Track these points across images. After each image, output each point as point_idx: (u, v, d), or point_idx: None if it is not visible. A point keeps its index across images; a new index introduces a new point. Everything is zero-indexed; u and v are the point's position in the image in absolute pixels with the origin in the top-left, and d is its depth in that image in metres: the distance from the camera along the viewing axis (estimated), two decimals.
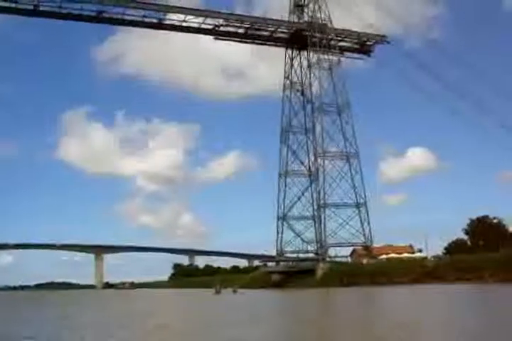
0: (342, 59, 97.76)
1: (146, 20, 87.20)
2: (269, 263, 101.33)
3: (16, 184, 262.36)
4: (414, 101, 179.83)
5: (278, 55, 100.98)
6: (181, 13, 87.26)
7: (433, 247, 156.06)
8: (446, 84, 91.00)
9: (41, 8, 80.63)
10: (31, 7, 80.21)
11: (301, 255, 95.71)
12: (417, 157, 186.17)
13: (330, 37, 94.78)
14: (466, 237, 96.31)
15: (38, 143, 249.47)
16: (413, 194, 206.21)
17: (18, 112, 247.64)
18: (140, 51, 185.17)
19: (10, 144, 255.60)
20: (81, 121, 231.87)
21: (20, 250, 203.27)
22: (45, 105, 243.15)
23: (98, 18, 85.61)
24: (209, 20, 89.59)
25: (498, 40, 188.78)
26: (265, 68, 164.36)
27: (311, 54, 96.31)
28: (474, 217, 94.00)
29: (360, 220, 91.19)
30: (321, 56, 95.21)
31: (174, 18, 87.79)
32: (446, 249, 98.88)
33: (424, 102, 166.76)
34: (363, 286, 66.78)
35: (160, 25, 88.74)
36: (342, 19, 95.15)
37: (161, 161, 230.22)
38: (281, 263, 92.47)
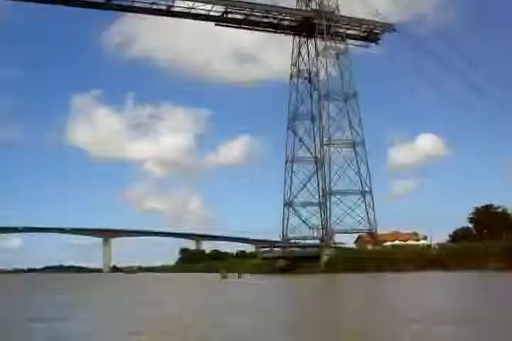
0: (349, 47, 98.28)
1: (155, 7, 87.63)
2: (275, 249, 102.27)
3: (25, 168, 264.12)
4: (423, 88, 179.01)
5: (288, 40, 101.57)
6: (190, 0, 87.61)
7: (438, 235, 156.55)
8: (455, 71, 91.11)
9: None
10: None
11: (306, 241, 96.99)
12: (426, 144, 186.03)
13: (337, 25, 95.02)
14: (471, 225, 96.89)
15: (47, 128, 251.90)
16: (420, 181, 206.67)
17: (27, 96, 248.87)
18: (150, 35, 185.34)
19: (19, 128, 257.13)
20: (90, 105, 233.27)
21: (30, 233, 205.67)
22: (54, 89, 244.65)
23: (107, 5, 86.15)
24: (217, 7, 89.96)
25: (509, 27, 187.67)
26: (276, 53, 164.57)
27: (319, 42, 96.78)
28: (479, 205, 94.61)
29: (365, 207, 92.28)
30: (329, 44, 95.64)
31: (182, 5, 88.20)
32: (451, 236, 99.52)
33: (432, 89, 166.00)
34: (367, 273, 67.69)
35: (168, 12, 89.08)
36: (350, 7, 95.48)
37: (170, 146, 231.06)
38: (287, 249, 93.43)
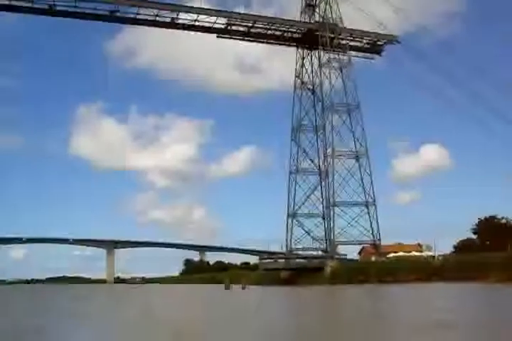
0: (353, 58, 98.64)
1: (159, 19, 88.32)
2: (279, 260, 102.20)
3: (29, 178, 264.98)
4: (426, 99, 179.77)
5: (292, 50, 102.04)
6: (194, 12, 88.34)
7: (443, 246, 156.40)
8: (458, 82, 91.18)
9: (56, 8, 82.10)
10: (46, 7, 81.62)
11: (310, 252, 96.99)
12: (429, 154, 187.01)
13: (341, 37, 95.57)
14: (475, 236, 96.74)
15: (51, 137, 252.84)
16: (424, 192, 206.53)
17: (32, 107, 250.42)
18: (154, 46, 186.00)
19: (23, 138, 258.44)
20: (94, 115, 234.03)
21: (33, 244, 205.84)
22: (58, 100, 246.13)
23: (111, 18, 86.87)
24: (221, 20, 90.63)
25: None
26: (280, 63, 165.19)
27: (322, 53, 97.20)
28: (483, 216, 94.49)
29: (369, 219, 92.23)
30: (332, 56, 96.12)
31: (186, 17, 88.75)
32: (455, 248, 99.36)
33: (435, 99, 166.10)
34: (370, 284, 67.70)
35: (172, 25, 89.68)
36: (353, 19, 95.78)
37: (175, 156, 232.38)
38: (290, 261, 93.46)
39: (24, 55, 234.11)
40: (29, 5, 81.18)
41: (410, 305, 31.42)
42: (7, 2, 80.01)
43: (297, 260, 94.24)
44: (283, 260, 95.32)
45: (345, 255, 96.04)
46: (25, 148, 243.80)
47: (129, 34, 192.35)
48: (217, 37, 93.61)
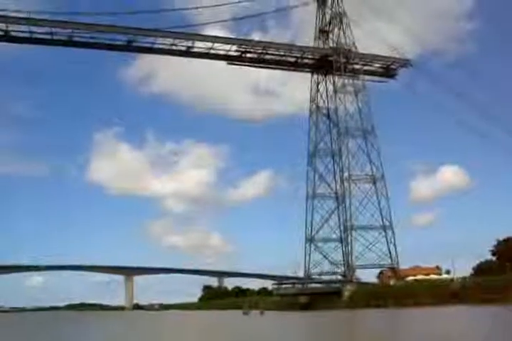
0: (367, 82, 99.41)
1: (174, 48, 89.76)
2: (297, 285, 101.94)
3: (47, 205, 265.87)
4: (442, 121, 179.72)
5: (307, 75, 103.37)
6: (208, 41, 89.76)
7: (462, 268, 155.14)
8: (473, 105, 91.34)
9: (75, 39, 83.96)
10: (65, 38, 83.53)
11: (328, 277, 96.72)
12: (447, 176, 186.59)
13: (354, 62, 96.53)
14: (494, 258, 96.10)
15: (69, 164, 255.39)
16: (442, 213, 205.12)
17: (49, 133, 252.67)
18: (169, 71, 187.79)
19: (41, 165, 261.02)
20: (111, 141, 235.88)
21: (52, 271, 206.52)
22: (75, 126, 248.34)
23: (128, 47, 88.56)
24: (236, 47, 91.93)
25: None
26: (295, 88, 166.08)
27: (337, 78, 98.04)
28: (501, 237, 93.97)
29: (387, 242, 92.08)
30: (346, 81, 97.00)
31: (201, 45, 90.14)
32: (474, 270, 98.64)
33: (452, 121, 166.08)
34: (389, 308, 67.39)
35: (188, 53, 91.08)
36: (366, 43, 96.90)
37: (191, 181, 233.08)
38: (307, 285, 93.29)
39: (42, 81, 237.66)
40: (49, 37, 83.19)
41: (429, 329, 31.56)
42: (28, 35, 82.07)
43: (314, 285, 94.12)
44: (300, 285, 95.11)
45: (360, 279, 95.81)
46: (43, 174, 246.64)
47: (145, 60, 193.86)
48: (228, 64, 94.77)
